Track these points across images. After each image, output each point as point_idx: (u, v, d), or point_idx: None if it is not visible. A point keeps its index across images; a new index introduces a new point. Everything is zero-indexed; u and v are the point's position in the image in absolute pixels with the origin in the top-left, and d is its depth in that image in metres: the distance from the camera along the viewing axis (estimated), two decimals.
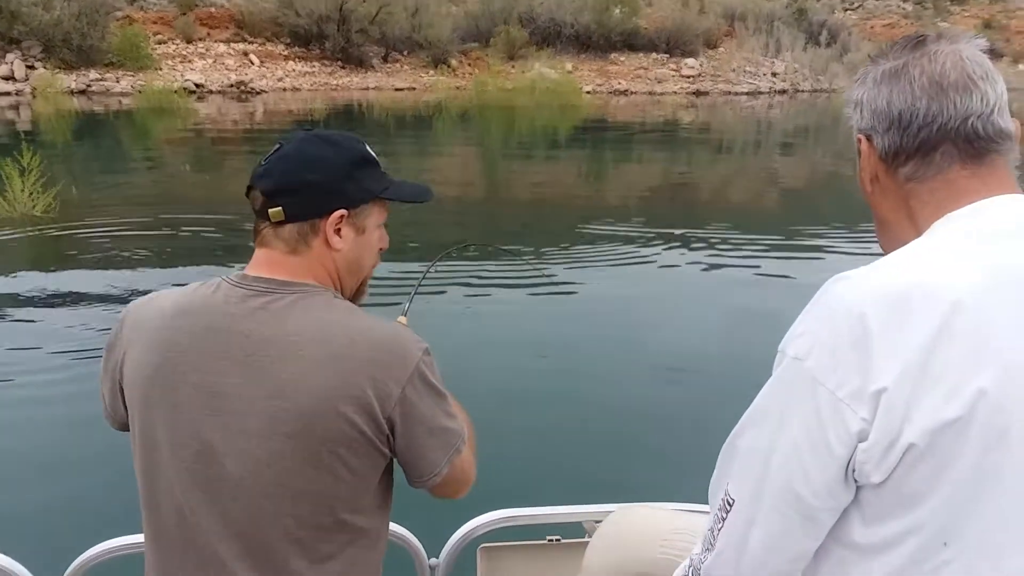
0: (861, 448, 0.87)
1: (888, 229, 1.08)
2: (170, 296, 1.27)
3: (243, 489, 1.17)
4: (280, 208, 1.22)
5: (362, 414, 1.16)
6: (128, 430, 1.29)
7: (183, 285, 1.30)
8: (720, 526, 1.00)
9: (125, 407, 1.28)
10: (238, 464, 1.16)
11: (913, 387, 0.84)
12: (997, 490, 0.85)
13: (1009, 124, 0.99)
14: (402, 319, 1.71)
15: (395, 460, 1.27)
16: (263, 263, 1.25)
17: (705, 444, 4.49)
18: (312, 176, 1.23)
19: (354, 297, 1.36)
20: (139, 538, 1.80)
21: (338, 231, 1.25)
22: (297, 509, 1.18)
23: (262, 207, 1.23)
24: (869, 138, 1.04)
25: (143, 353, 1.22)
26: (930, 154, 0.99)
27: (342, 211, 1.25)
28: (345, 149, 1.29)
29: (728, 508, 0.99)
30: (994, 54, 1.03)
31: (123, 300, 6.40)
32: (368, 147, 1.34)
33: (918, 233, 1.00)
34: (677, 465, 4.11)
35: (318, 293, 1.24)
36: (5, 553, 1.74)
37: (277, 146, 1.27)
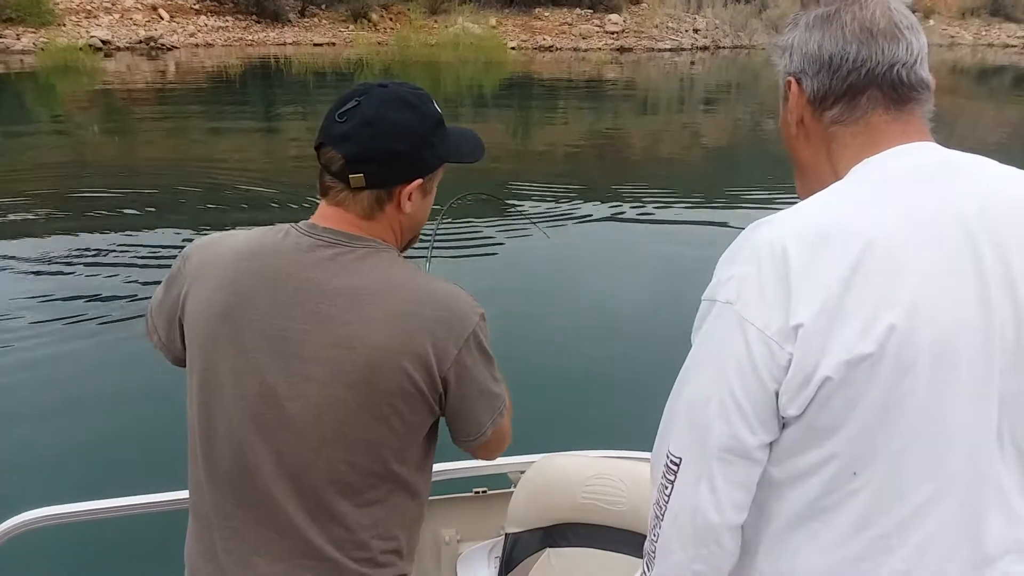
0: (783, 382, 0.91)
1: (807, 173, 1.10)
2: (239, 236, 1.29)
3: (302, 433, 1.20)
4: (362, 175, 1.22)
5: (421, 370, 1.20)
6: (183, 365, 1.31)
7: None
8: (670, 490, 0.99)
9: (183, 342, 1.30)
10: (299, 408, 1.20)
11: (829, 322, 0.88)
12: (902, 422, 0.89)
13: (928, 75, 1.03)
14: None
15: (443, 418, 1.33)
16: (333, 218, 1.26)
17: (627, 394, 4.60)
18: (398, 146, 1.23)
19: (408, 244, 1.40)
20: (62, 508, 1.78)
21: (410, 196, 1.27)
22: (351, 455, 1.22)
23: (340, 170, 1.23)
24: (799, 81, 1.06)
25: (211, 292, 1.24)
26: (857, 97, 1.02)
27: (419, 180, 1.27)
28: (426, 114, 1.28)
29: (675, 468, 0.98)
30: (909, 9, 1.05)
31: (32, 272, 6.12)
32: (435, 104, 1.34)
33: (837, 177, 1.02)
34: (598, 414, 4.23)
35: (384, 250, 1.27)
36: None
37: (354, 103, 1.24)
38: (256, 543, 1.25)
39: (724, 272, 0.97)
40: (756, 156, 12.65)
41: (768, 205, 8.82)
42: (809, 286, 0.89)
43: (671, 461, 0.99)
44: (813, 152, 1.08)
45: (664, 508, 1.00)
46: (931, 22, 33.47)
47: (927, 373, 0.88)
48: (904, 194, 0.95)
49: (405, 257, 1.35)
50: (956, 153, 1.01)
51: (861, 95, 1.02)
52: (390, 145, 1.22)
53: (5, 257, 6.41)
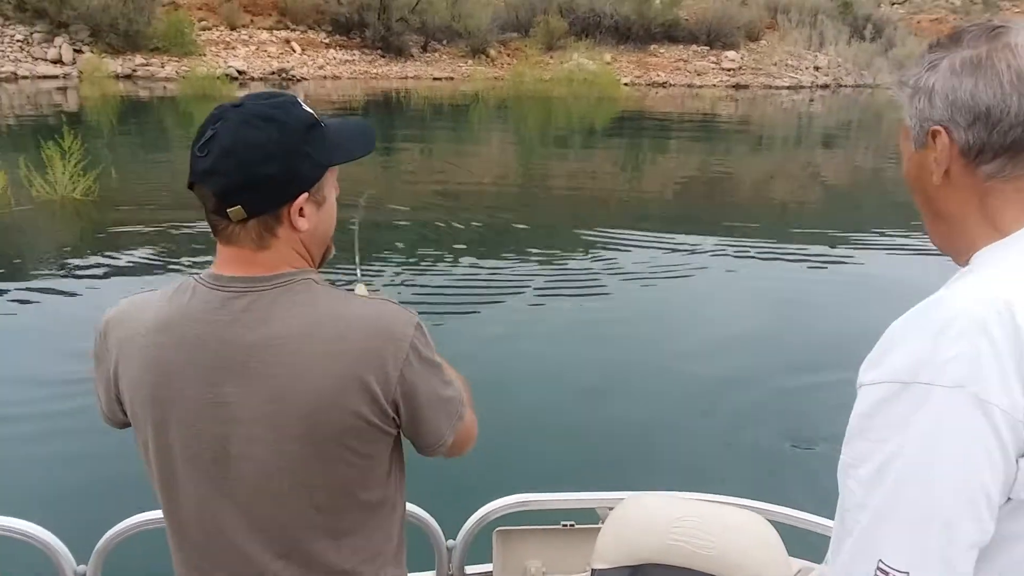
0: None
1: (952, 225, 1.01)
2: (147, 308, 1.21)
3: (261, 490, 1.18)
4: (239, 207, 1.12)
5: (367, 403, 1.15)
6: (127, 426, 1.28)
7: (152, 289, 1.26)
8: None
9: (123, 411, 1.26)
10: (252, 468, 1.17)
11: None
12: None
13: None
14: (361, 286, 1.67)
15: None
16: (233, 261, 1.18)
17: (721, 437, 4.51)
18: (267, 168, 1.12)
19: (323, 260, 1.31)
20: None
21: (300, 212, 1.17)
22: (315, 500, 1.20)
23: (216, 206, 1.13)
24: (947, 130, 0.97)
25: (136, 371, 1.19)
26: (1020, 153, 0.94)
27: (304, 194, 1.16)
28: (290, 124, 1.15)
29: None
30: None
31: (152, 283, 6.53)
32: (304, 103, 1.22)
33: (999, 232, 0.96)
34: (688, 456, 4.16)
35: (297, 282, 1.18)
36: (41, 524, 1.80)
37: (211, 132, 1.13)
38: None
39: (939, 350, 0.84)
40: (877, 199, 12.21)
41: (890, 249, 8.49)
42: None
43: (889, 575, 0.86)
44: (960, 205, 0.99)
45: None
46: None
47: None
48: None
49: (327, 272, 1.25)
50: None
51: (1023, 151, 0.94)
52: (258, 169, 1.11)
53: (123, 271, 6.89)
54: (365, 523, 1.26)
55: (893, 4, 37.99)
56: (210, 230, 1.19)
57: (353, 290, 1.46)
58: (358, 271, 1.78)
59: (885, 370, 0.87)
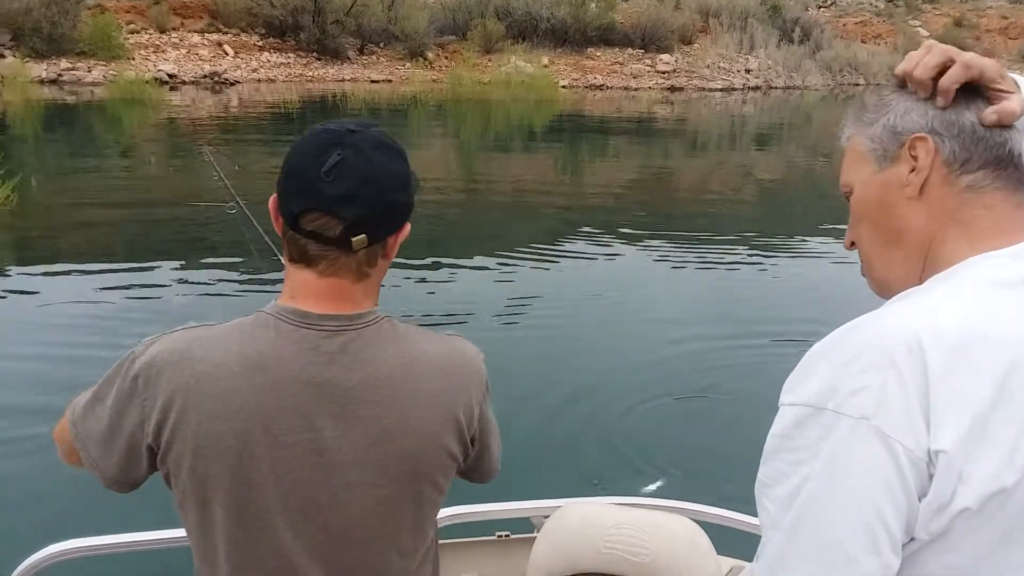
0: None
1: (910, 248, 0.98)
2: (216, 347, 1.10)
3: (347, 539, 1.15)
4: (364, 235, 1.09)
5: (456, 439, 1.18)
6: (137, 487, 1.19)
7: (208, 323, 1.15)
8: None
9: (152, 468, 1.16)
10: (344, 517, 1.14)
11: (971, 447, 0.79)
12: (1019, 551, 0.83)
13: None
14: None
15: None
16: (325, 296, 1.12)
17: (651, 440, 4.57)
18: (402, 196, 1.13)
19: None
20: (91, 541, 1.76)
21: (397, 240, 1.18)
22: (399, 542, 1.19)
23: (340, 235, 1.08)
24: (931, 139, 0.95)
25: (214, 421, 1.07)
26: (1002, 168, 0.94)
27: (408, 222, 1.18)
28: (404, 154, 1.17)
29: None
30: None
31: (77, 301, 6.33)
32: None
33: (970, 244, 0.93)
34: (621, 460, 4.20)
35: (382, 320, 1.17)
36: None
37: (337, 156, 1.07)
38: None
39: (848, 380, 0.83)
40: (805, 197, 12.54)
41: (817, 254, 8.72)
42: (951, 402, 0.79)
43: None
44: (928, 219, 0.95)
45: None
46: None
47: None
48: None
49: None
50: None
51: (1006, 167, 0.94)
52: (395, 197, 1.12)
53: (37, 286, 6.67)
54: (427, 556, 1.27)
55: (820, 8, 39.07)
56: (289, 256, 1.13)
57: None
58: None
59: (801, 393, 0.87)
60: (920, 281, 0.96)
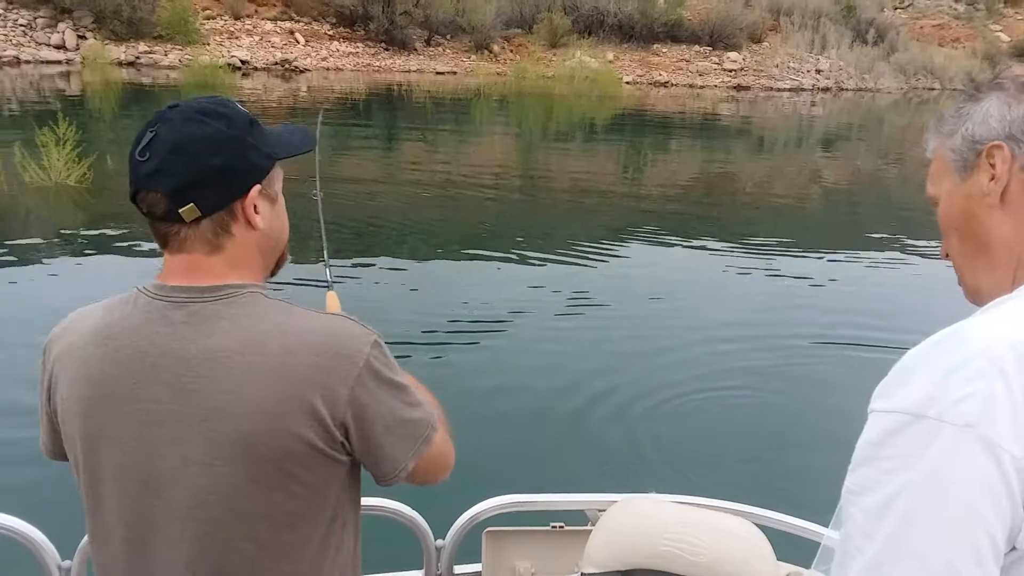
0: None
1: (998, 255, 0.98)
2: (88, 319, 1.15)
3: (192, 519, 1.09)
4: (192, 204, 1.08)
5: (313, 425, 1.07)
6: (63, 459, 1.21)
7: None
8: None
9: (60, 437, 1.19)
10: (183, 494, 1.08)
11: None
12: None
13: None
14: (332, 295, 1.62)
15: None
16: (180, 269, 1.12)
17: (709, 440, 4.54)
18: (218, 160, 1.09)
19: (277, 267, 1.27)
20: None
21: (255, 208, 1.14)
22: (252, 531, 1.10)
23: (167, 210, 1.08)
24: (1008, 145, 0.96)
25: (72, 387, 1.12)
26: None
27: (256, 186, 1.13)
28: (234, 117, 1.13)
29: None
30: None
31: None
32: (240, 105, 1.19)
33: None
34: (680, 459, 4.19)
35: (243, 294, 1.11)
36: (26, 520, 1.79)
37: (151, 134, 1.09)
38: None
39: (953, 387, 0.81)
40: (874, 202, 12.24)
41: (887, 261, 8.52)
42: None
43: None
44: (1014, 227, 0.96)
45: None
46: None
47: None
48: None
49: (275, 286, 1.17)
50: None
51: None
52: (209, 161, 1.08)
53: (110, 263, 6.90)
54: (314, 556, 1.16)
55: (896, 9, 37.95)
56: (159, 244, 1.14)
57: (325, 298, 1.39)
58: (328, 272, 1.70)
59: (897, 400, 0.84)
60: (1011, 288, 0.95)
